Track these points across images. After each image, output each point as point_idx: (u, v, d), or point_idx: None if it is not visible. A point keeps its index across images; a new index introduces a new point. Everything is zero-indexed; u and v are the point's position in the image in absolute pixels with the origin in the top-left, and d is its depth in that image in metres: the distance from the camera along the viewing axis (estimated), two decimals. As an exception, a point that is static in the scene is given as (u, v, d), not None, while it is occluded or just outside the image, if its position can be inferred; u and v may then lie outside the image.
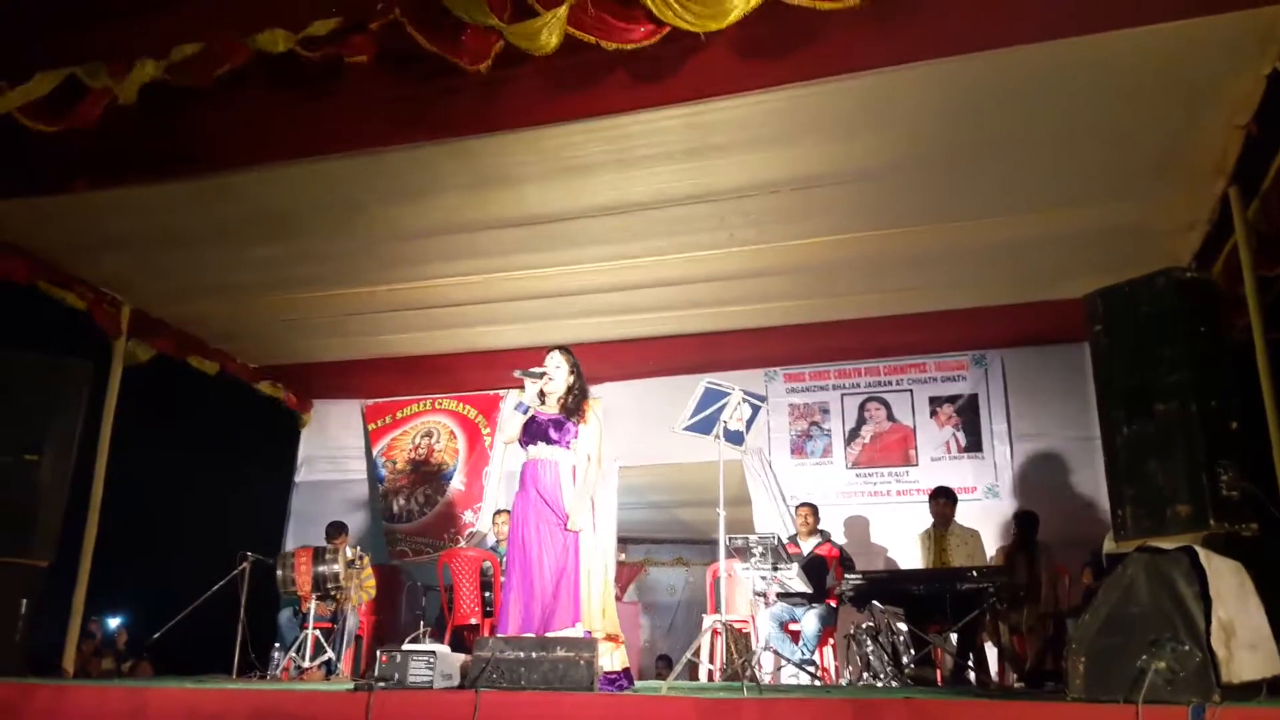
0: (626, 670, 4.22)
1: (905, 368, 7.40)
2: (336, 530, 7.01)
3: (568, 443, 4.40)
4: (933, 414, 7.27)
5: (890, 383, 7.42)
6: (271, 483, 8.45)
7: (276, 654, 5.99)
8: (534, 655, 3.68)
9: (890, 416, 7.37)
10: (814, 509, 6.47)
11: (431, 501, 8.25)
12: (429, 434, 8.53)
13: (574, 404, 4.46)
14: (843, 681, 5.75)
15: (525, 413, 4.45)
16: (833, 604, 5.95)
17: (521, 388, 4.52)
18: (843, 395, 7.53)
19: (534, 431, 4.41)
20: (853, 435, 7.44)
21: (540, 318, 6.77)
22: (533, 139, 4.63)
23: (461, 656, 3.98)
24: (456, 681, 3.83)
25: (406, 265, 6.02)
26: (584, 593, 4.14)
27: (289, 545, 8.00)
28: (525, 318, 6.79)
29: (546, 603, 4.13)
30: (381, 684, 3.67)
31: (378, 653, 3.83)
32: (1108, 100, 4.28)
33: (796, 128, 4.54)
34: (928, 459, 7.17)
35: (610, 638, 4.14)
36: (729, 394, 4.86)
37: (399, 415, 8.66)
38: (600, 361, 7.00)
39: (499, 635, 3.94)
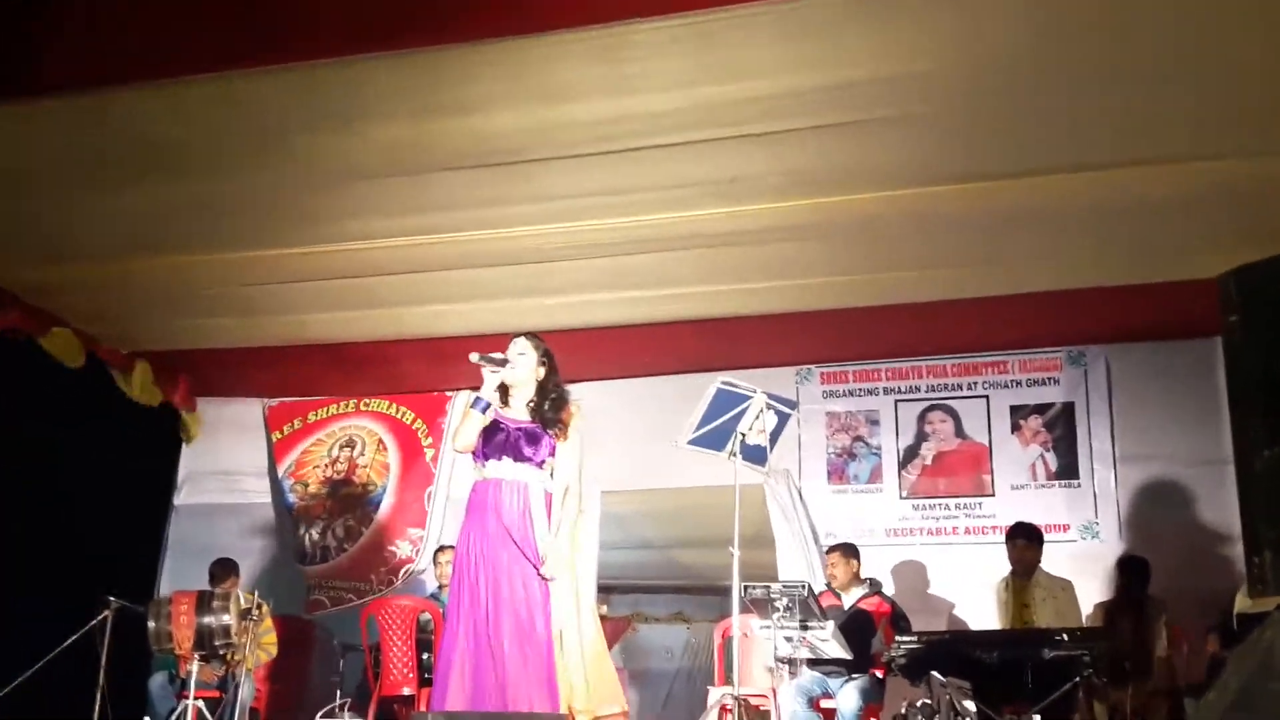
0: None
1: (980, 367, 7.42)
2: (226, 570, 7.02)
3: (542, 461, 4.43)
4: (1015, 428, 7.30)
5: (960, 386, 7.45)
6: (143, 506, 8.40)
7: (147, 731, 5.98)
8: (488, 735, 3.68)
9: (959, 431, 7.41)
10: (847, 552, 6.48)
11: (354, 534, 8.26)
12: (350, 444, 8.52)
13: (551, 411, 4.48)
14: (889, 777, 5.77)
15: (485, 410, 4.45)
16: (879, 674, 5.97)
17: (477, 385, 4.53)
18: (897, 402, 7.56)
19: (499, 443, 4.44)
20: (909, 455, 7.47)
21: (502, 294, 6.79)
22: (500, 53, 4.62)
23: (393, 735, 3.98)
24: (386, 767, 3.84)
25: (330, 220, 6.00)
26: (558, 661, 4.15)
27: (165, 589, 7.97)
28: (483, 294, 6.80)
29: (507, 671, 4.13)
30: (288, 769, 3.66)
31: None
32: (1259, 20, 4.27)
33: (835, 35, 4.48)
34: (1007, 487, 7.21)
35: None
36: (749, 398, 4.89)
37: (311, 418, 8.67)
38: (580, 354, 6.98)
39: (441, 711, 3.94)
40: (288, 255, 6.38)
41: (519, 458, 4.40)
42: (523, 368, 4.49)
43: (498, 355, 4.47)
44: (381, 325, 7.34)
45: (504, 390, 4.52)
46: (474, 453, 4.49)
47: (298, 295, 6.89)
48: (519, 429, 4.44)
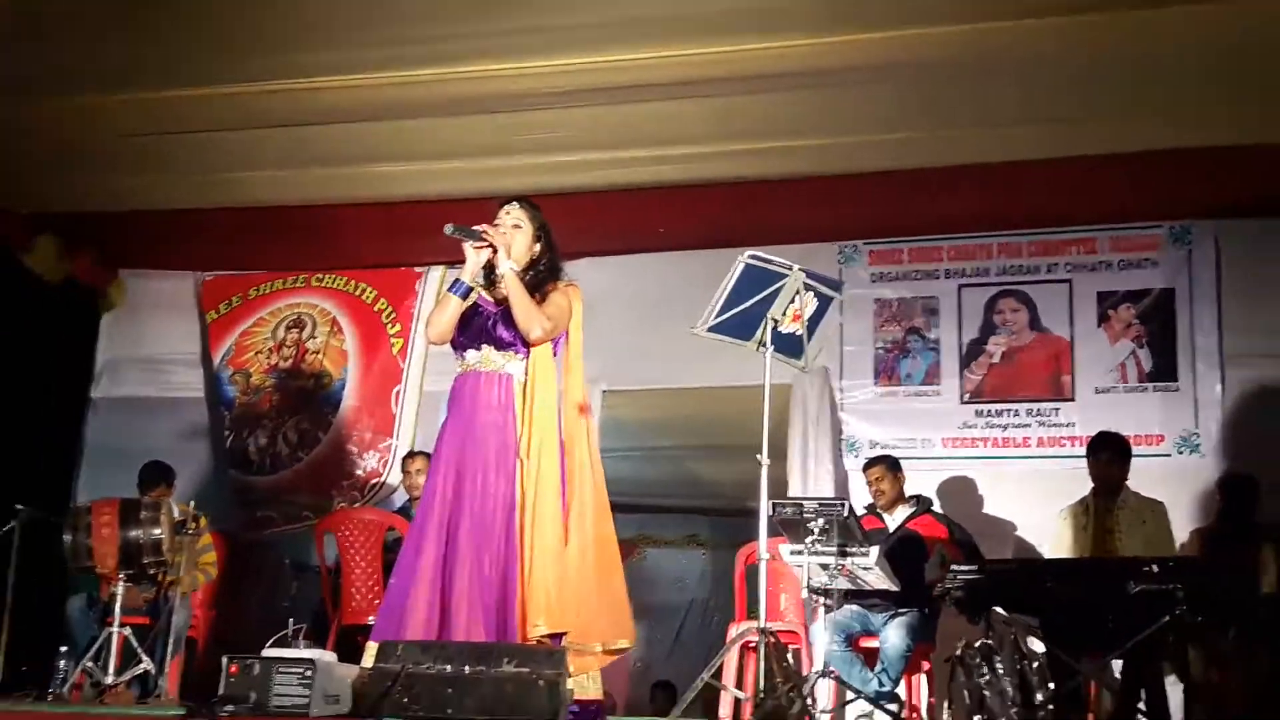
0: (601, 703, 4.31)
1: (1062, 246, 7.38)
2: (157, 475, 7.06)
3: (529, 348, 4.42)
4: (1103, 320, 7.28)
5: (1037, 269, 7.42)
6: (55, 399, 8.44)
7: (64, 663, 6.06)
8: (468, 670, 3.72)
9: (1035, 322, 7.39)
10: (889, 466, 6.52)
11: (310, 440, 8.32)
12: (298, 324, 8.50)
13: (535, 283, 4.46)
14: (940, 728, 5.87)
15: (464, 295, 4.45)
16: (929, 610, 6.04)
17: (456, 261, 4.50)
18: (960, 287, 7.54)
19: (477, 329, 4.43)
20: (974, 351, 7.47)
21: (485, 150, 6.76)
22: None
23: (353, 669, 4.03)
24: (347, 707, 3.89)
25: (279, 50, 5.93)
26: (540, 580, 4.20)
27: (83, 497, 8.03)
28: (462, 149, 6.78)
29: (491, 594, 4.19)
30: (229, 708, 3.71)
31: (224, 661, 3.87)
32: None
33: None
34: (1090, 390, 7.21)
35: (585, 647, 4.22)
36: (784, 277, 4.84)
37: (252, 295, 8.66)
38: (577, 223, 6.90)
39: (416, 640, 3.98)
40: (223, 96, 6.31)
41: (501, 345, 4.39)
42: (518, 243, 4.44)
43: (479, 227, 4.41)
44: (336, 186, 7.31)
45: (489, 269, 4.48)
46: (452, 342, 4.48)
47: (235, 146, 6.85)
48: (497, 312, 4.42)
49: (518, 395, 4.40)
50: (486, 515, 4.27)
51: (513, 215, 4.51)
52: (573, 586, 4.30)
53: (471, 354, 4.43)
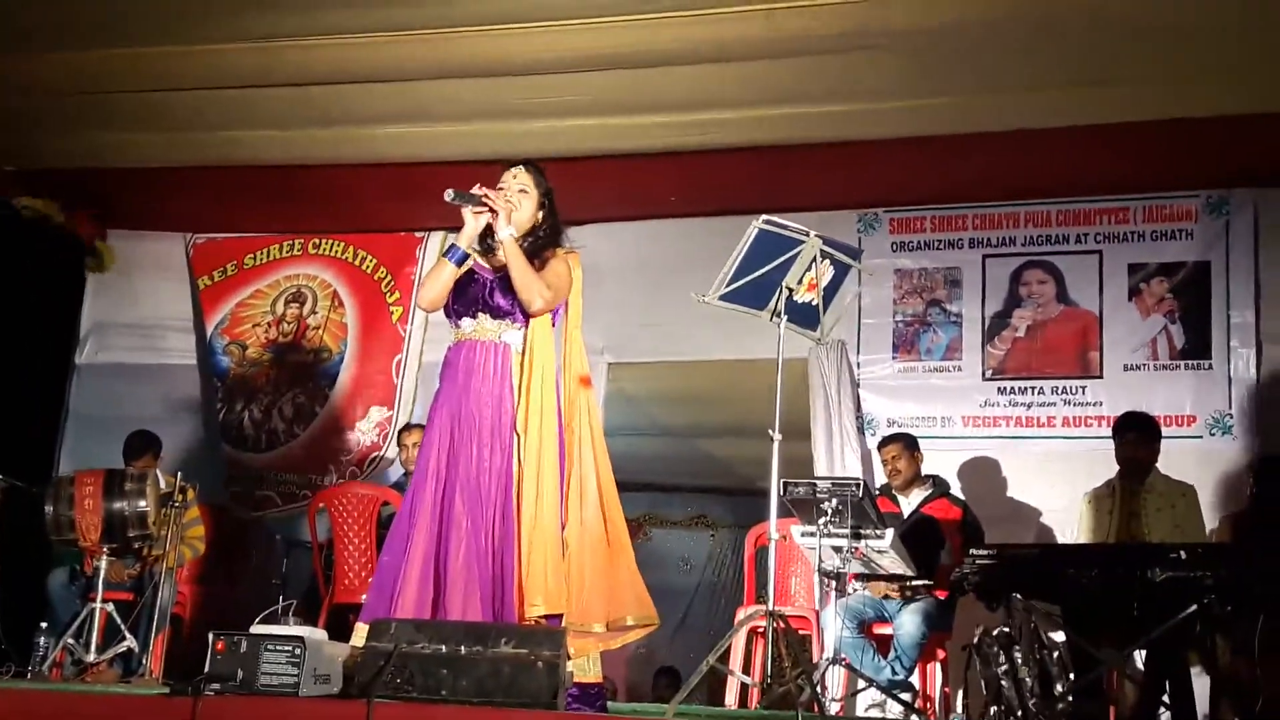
0: (602, 687, 4.34)
1: (1092, 215, 7.36)
2: (143, 445, 7.08)
3: (527, 317, 4.42)
4: (1134, 293, 7.26)
5: (1066, 239, 7.40)
6: (38, 363, 8.46)
7: (44, 639, 6.09)
8: (464, 651, 3.72)
9: (1062, 295, 7.38)
10: (907, 444, 6.53)
11: (306, 414, 8.35)
12: (298, 297, 8.53)
13: (535, 249, 4.47)
14: (954, 718, 5.86)
15: (460, 262, 4.45)
16: (945, 596, 6.04)
17: (459, 226, 4.50)
18: (985, 257, 7.53)
19: (472, 296, 4.44)
20: (998, 325, 7.46)
21: (490, 112, 6.77)
22: None
23: (345, 647, 4.03)
24: (338, 687, 3.89)
25: (275, 7, 5.93)
26: (537, 549, 4.22)
27: (65, 467, 8.11)
28: (466, 110, 6.79)
29: (487, 573, 4.20)
30: (215, 687, 3.72)
31: (210, 637, 3.88)
32: None
33: None
34: (1118, 367, 7.20)
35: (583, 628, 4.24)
36: (799, 243, 4.81)
37: (249, 263, 8.67)
38: (584, 188, 6.92)
39: (410, 619, 3.99)
40: (217, 53, 6.33)
41: (498, 313, 4.40)
42: (523, 209, 4.45)
43: (478, 191, 4.40)
44: (334, 146, 7.30)
45: (488, 234, 4.47)
46: (445, 309, 4.48)
47: (229, 105, 6.85)
48: (494, 279, 4.41)
49: (515, 366, 4.41)
50: (482, 491, 4.28)
51: (519, 179, 4.51)
52: (573, 566, 4.33)
53: (467, 322, 4.43)
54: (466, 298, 4.43)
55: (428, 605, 4.20)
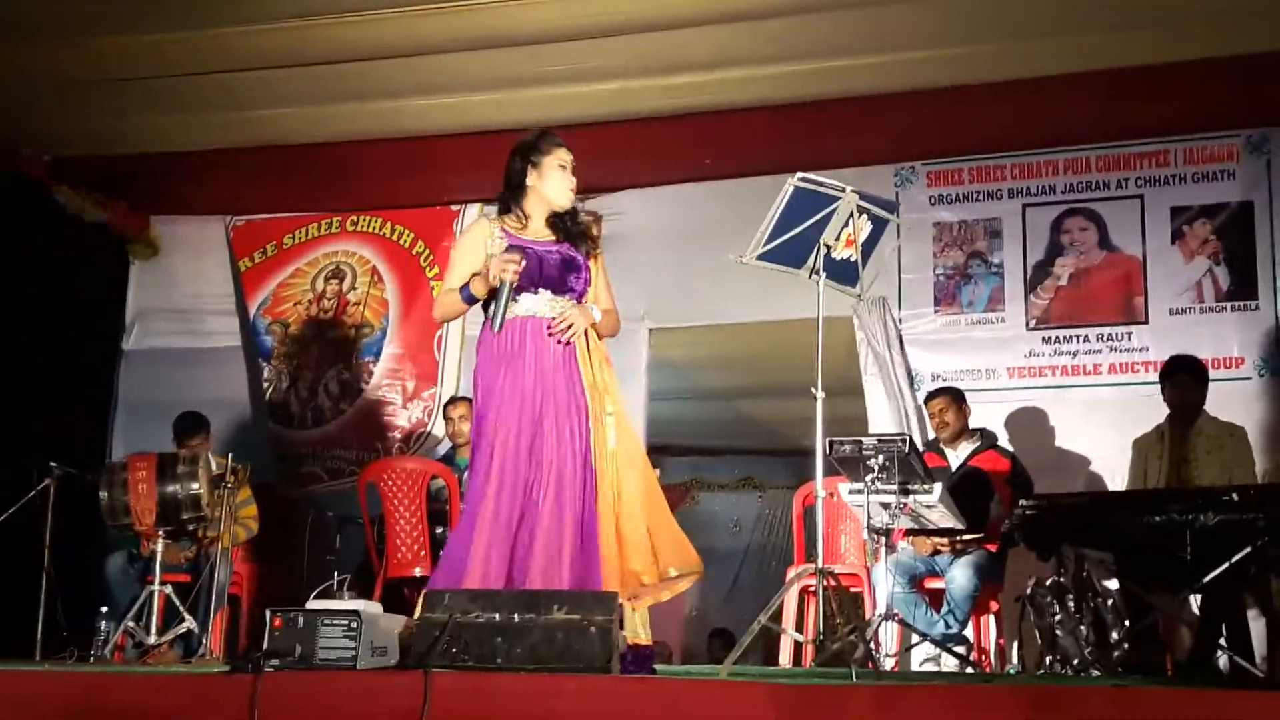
0: (652, 649, 4.37)
1: (1132, 159, 7.30)
2: (193, 427, 7.13)
3: (583, 293, 4.49)
4: (1177, 236, 7.21)
5: (1106, 184, 7.34)
6: (86, 351, 8.52)
7: (104, 624, 6.13)
8: (517, 619, 3.76)
9: (1104, 241, 7.33)
10: (954, 398, 6.53)
11: (351, 391, 8.39)
12: (338, 274, 8.57)
13: (577, 226, 4.53)
14: (1010, 669, 5.86)
15: (469, 303, 4.51)
16: (996, 549, 6.02)
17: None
18: (1025, 206, 7.48)
19: (529, 271, 4.41)
20: (1040, 274, 7.42)
21: (520, 81, 6.77)
22: None
23: (400, 620, 4.09)
24: (394, 659, 3.94)
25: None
26: (620, 528, 4.33)
27: (118, 452, 8.18)
28: (496, 80, 6.78)
29: (569, 553, 4.26)
30: (275, 663, 3.77)
31: (268, 614, 3.93)
32: None
33: None
34: (1164, 311, 7.16)
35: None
36: (836, 200, 4.79)
37: (288, 243, 8.71)
38: (614, 154, 6.96)
39: (464, 589, 4.03)
40: (252, 34, 6.35)
41: (559, 289, 4.42)
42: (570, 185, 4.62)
43: (511, 263, 4.34)
44: (367, 121, 7.33)
45: (514, 199, 4.51)
46: None
47: (265, 86, 6.89)
48: (553, 253, 4.43)
49: (578, 345, 4.44)
50: (567, 467, 4.33)
51: (568, 156, 4.55)
52: (659, 527, 4.44)
53: (527, 298, 4.42)
54: (526, 274, 4.39)
55: (503, 582, 4.23)
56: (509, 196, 4.56)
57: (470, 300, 4.46)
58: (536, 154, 4.50)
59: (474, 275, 4.42)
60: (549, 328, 4.39)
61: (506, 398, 4.37)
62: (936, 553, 6.20)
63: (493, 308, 4.37)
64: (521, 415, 4.35)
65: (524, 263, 4.32)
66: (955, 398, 6.53)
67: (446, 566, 4.35)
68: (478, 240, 4.53)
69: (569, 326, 4.38)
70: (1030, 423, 7.20)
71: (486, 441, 4.37)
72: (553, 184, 4.50)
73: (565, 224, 4.53)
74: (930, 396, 6.69)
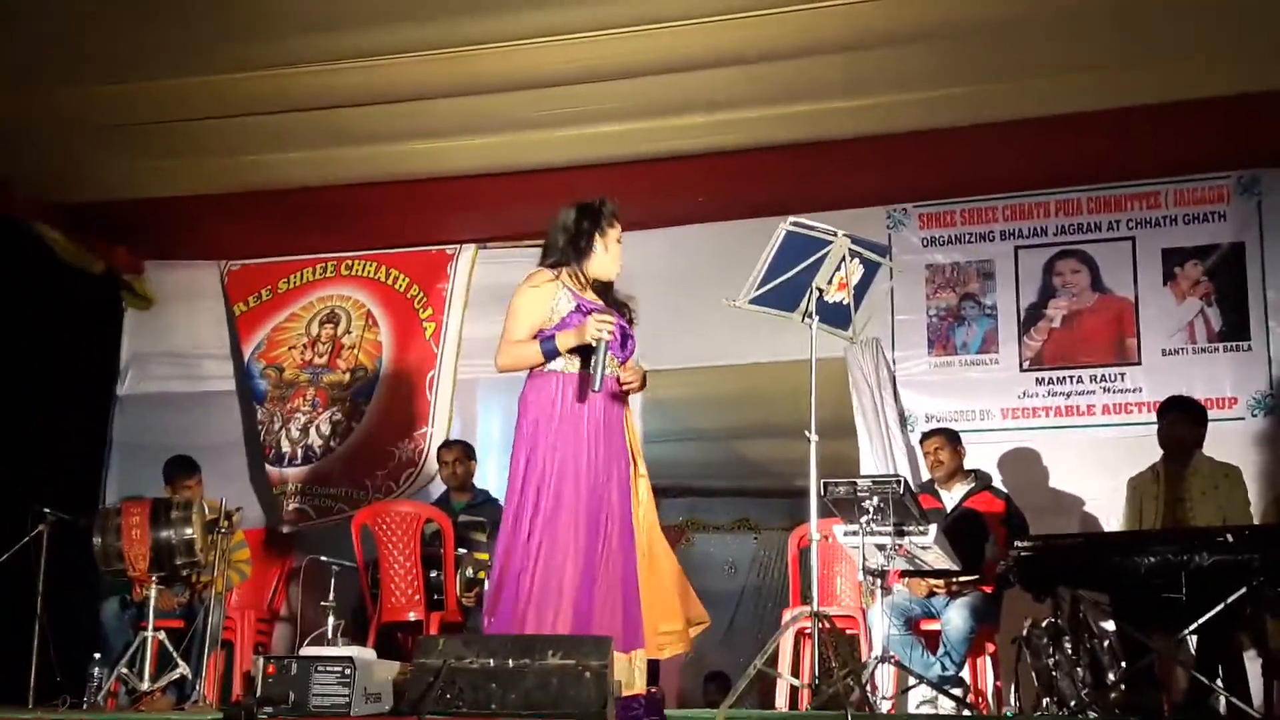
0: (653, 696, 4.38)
1: (1123, 201, 7.32)
2: (185, 472, 7.11)
3: (628, 358, 4.64)
4: (1168, 278, 7.22)
5: (1097, 226, 7.36)
6: (80, 396, 8.52)
7: (97, 670, 6.13)
8: (511, 664, 3.76)
9: (1097, 283, 7.34)
10: (950, 438, 6.55)
11: (342, 431, 8.38)
12: (332, 318, 8.58)
13: (617, 299, 4.70)
14: (1007, 712, 5.84)
15: (550, 358, 4.53)
16: (992, 590, 6.02)
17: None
18: (1017, 248, 7.50)
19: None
20: (1033, 316, 7.43)
21: (516, 123, 6.79)
22: None
23: (394, 666, 4.06)
24: (388, 705, 3.93)
25: (306, 30, 5.97)
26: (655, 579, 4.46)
27: (112, 497, 8.16)
28: (493, 123, 6.81)
29: (627, 609, 4.35)
30: (268, 710, 3.76)
31: (260, 662, 3.92)
32: None
33: None
34: (1157, 352, 7.16)
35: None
36: (828, 244, 4.82)
37: (283, 287, 8.72)
38: (608, 195, 6.92)
39: (461, 636, 4.04)
40: (250, 80, 6.38)
41: (618, 352, 4.55)
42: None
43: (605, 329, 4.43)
44: (362, 165, 7.34)
45: (577, 260, 4.60)
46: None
47: (261, 131, 6.91)
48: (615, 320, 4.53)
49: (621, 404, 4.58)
50: (625, 523, 4.45)
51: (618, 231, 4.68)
52: (680, 580, 4.59)
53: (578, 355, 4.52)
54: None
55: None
56: (572, 256, 4.61)
57: (552, 355, 4.50)
58: (604, 222, 4.61)
59: (556, 331, 4.50)
60: (617, 387, 4.52)
61: (556, 452, 4.44)
62: (932, 594, 6.19)
63: (593, 365, 4.40)
64: (573, 472, 4.42)
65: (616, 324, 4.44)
66: (950, 438, 6.54)
67: (504, 614, 4.36)
68: (545, 298, 4.57)
69: (641, 385, 4.59)
70: (1025, 464, 7.20)
71: (534, 491, 4.43)
72: (613, 256, 4.64)
73: (608, 293, 4.65)
74: (926, 436, 6.70)
